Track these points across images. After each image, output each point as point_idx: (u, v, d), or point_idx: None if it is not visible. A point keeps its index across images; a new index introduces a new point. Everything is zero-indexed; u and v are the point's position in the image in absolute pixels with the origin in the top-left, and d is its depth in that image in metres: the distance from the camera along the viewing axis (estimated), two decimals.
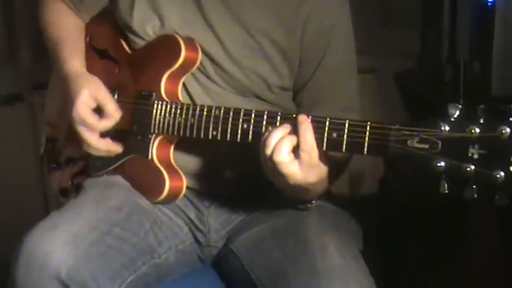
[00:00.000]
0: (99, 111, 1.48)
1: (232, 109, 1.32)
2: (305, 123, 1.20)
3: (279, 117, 1.26)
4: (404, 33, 2.64)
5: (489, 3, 1.88)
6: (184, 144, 1.45)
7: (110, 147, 1.49)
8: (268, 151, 1.21)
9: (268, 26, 1.43)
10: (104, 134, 1.49)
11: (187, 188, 1.48)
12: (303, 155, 1.20)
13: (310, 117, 1.22)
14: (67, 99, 1.50)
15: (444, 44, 2.18)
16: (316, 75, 1.45)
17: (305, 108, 1.47)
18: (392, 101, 2.64)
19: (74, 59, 1.55)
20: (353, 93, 1.50)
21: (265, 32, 1.43)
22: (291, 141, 1.20)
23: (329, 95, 1.46)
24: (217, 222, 1.52)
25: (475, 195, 1.05)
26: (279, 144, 1.20)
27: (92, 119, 1.46)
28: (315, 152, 1.20)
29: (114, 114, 1.47)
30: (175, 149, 1.47)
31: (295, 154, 1.20)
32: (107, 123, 1.47)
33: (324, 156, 1.24)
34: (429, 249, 2.11)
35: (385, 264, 2.11)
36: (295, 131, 1.21)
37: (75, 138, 1.51)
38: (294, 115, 1.24)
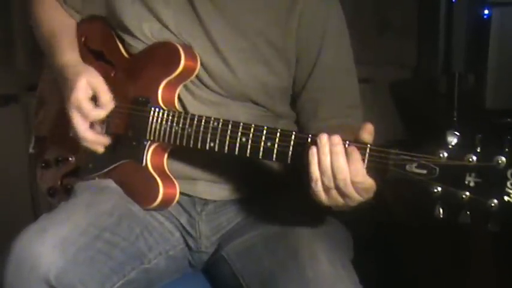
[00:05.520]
0: (93, 102, 1.47)
1: (230, 122, 1.31)
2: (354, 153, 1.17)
3: (278, 134, 1.25)
4: (400, 44, 2.64)
5: (485, 16, 1.89)
6: (177, 149, 1.45)
7: (96, 139, 1.47)
8: (343, 175, 1.17)
9: (263, 26, 1.43)
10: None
11: (179, 193, 1.47)
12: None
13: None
14: (63, 88, 1.49)
15: (440, 55, 2.20)
16: (314, 73, 1.46)
17: (308, 111, 1.47)
18: (387, 111, 2.64)
19: (71, 50, 1.56)
20: (354, 90, 1.50)
21: (260, 33, 1.43)
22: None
23: (331, 94, 1.46)
24: (208, 228, 1.51)
25: (469, 221, 1.09)
26: (354, 167, 1.17)
27: (87, 105, 1.45)
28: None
29: (107, 104, 1.46)
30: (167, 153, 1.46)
31: None
32: (99, 113, 1.46)
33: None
34: (422, 260, 2.11)
35: (377, 273, 2.11)
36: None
37: (64, 136, 1.51)
38: (293, 133, 1.24)
